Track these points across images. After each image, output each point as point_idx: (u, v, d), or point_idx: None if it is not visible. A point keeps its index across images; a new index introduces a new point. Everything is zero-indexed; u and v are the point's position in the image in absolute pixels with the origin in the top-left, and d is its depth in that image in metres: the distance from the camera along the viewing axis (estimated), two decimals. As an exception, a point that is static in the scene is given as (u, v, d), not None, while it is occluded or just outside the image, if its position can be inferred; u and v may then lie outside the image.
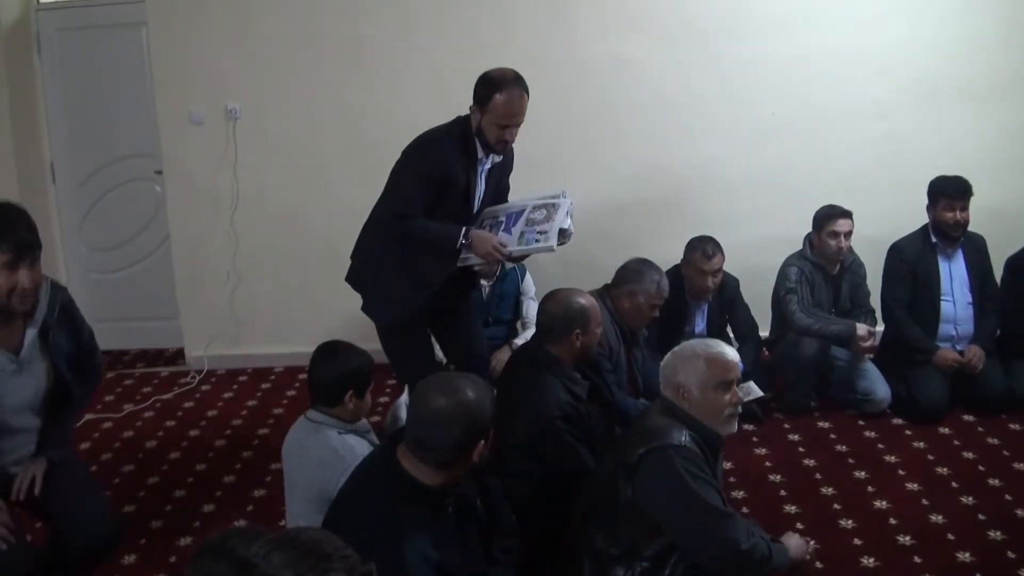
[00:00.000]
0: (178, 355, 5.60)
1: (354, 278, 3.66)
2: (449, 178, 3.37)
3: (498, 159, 3.49)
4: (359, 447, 2.88)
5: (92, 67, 5.43)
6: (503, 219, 3.46)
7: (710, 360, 2.65)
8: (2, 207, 2.53)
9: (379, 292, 3.56)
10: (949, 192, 4.39)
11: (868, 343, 4.41)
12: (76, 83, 5.46)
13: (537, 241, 3.34)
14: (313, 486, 2.87)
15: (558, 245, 3.36)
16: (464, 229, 3.36)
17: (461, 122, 3.42)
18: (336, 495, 2.46)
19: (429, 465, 2.27)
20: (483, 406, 2.30)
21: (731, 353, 2.70)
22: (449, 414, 2.24)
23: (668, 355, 2.77)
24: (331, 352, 3.02)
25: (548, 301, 3.32)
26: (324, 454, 2.87)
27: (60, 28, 5.41)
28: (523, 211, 3.45)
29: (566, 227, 3.36)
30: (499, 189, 3.64)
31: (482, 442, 2.30)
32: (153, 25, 5.10)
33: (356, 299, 3.62)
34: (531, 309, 4.69)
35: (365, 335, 3.60)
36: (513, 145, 3.48)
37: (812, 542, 3.13)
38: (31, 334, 2.69)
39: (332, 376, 2.95)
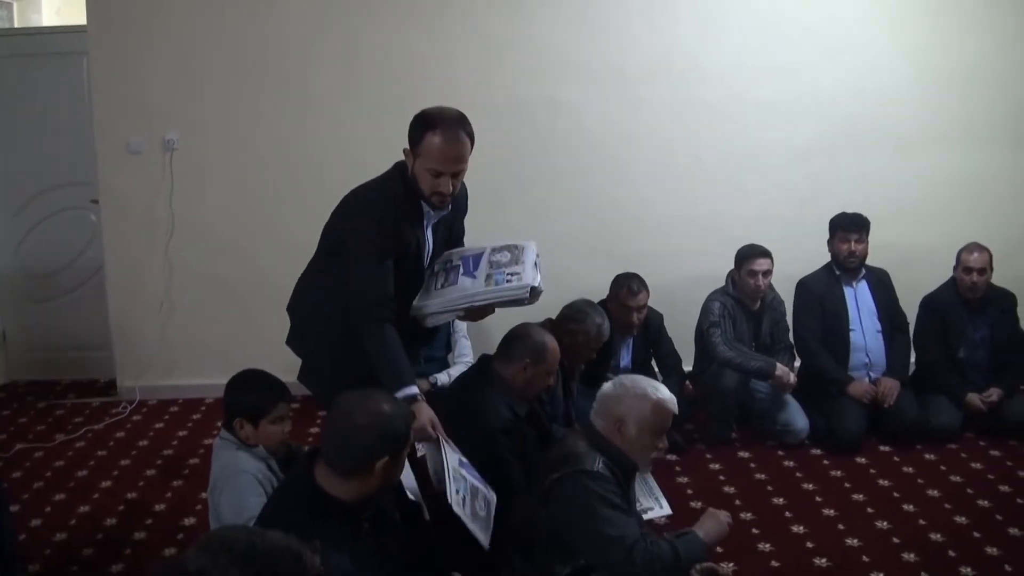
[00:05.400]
0: (110, 385, 5.54)
1: (295, 342, 3.28)
2: (403, 244, 2.91)
3: (444, 212, 3.01)
4: (248, 465, 2.93)
5: (30, 95, 5.42)
6: (459, 263, 3.02)
7: (657, 406, 2.69)
8: None
9: (317, 364, 3.22)
10: (843, 224, 4.68)
11: (788, 382, 4.51)
12: (14, 110, 5.45)
13: (508, 281, 2.84)
14: (211, 498, 3.00)
15: (528, 303, 2.88)
16: (412, 393, 2.81)
17: (400, 170, 2.95)
18: (259, 514, 2.48)
19: (338, 474, 2.31)
20: (396, 422, 2.34)
21: (675, 404, 2.75)
22: (361, 420, 2.30)
23: (614, 385, 2.78)
24: (238, 378, 3.08)
25: (520, 325, 3.44)
26: (217, 469, 2.99)
27: (-1, 55, 5.41)
28: (482, 253, 3.01)
29: (536, 284, 2.86)
30: (451, 238, 3.20)
31: (387, 458, 2.31)
32: (93, 54, 5.10)
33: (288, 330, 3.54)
34: (463, 346, 4.76)
35: (296, 366, 3.55)
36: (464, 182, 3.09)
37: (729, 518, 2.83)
38: None
39: (227, 401, 3.04)
